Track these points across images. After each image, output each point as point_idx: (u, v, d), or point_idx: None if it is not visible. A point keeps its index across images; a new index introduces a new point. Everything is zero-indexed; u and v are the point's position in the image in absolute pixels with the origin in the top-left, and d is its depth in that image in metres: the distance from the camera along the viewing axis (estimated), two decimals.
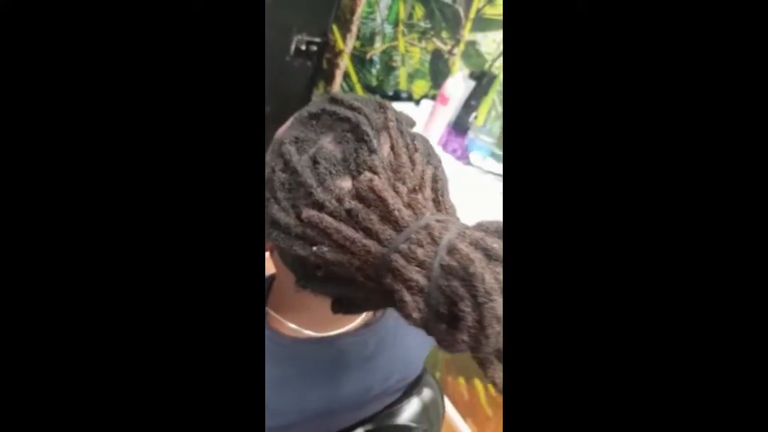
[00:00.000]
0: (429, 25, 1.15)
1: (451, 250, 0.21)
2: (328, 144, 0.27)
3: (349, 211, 0.24)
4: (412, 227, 0.23)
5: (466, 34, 1.06)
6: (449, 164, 0.92)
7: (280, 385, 0.33)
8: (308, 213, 0.25)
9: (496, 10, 0.99)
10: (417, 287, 0.22)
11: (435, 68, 1.15)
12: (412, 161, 0.28)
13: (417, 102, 1.13)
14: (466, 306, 0.21)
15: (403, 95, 1.20)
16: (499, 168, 0.96)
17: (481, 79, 0.98)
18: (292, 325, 0.35)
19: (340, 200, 0.25)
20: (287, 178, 0.27)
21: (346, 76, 1.41)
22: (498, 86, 1.00)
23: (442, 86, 0.92)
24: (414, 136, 0.31)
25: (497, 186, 0.93)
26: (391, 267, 0.22)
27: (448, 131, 0.97)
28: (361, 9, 1.30)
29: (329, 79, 1.45)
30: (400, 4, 1.20)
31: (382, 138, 0.28)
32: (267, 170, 0.28)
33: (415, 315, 0.21)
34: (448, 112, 0.93)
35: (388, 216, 0.24)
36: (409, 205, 0.24)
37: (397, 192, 0.25)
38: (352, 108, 0.28)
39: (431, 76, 1.16)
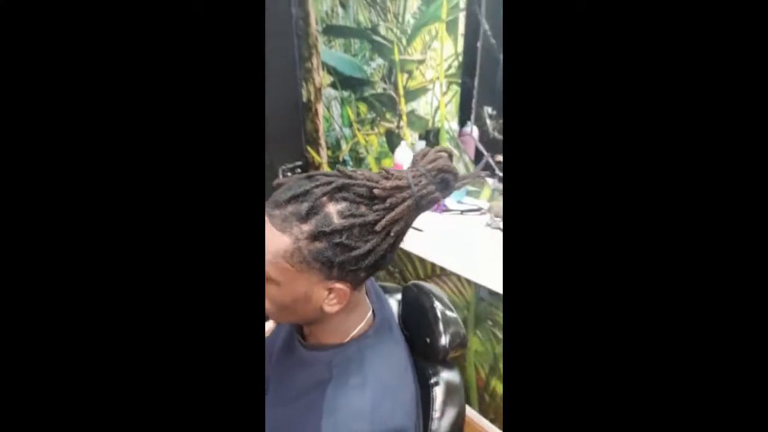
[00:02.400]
0: (374, 115, 1.32)
1: (428, 171, 0.42)
2: (334, 207, 0.40)
3: (389, 205, 0.40)
4: (411, 181, 0.41)
5: (404, 108, 1.21)
6: (429, 218, 0.97)
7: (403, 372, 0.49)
8: (381, 225, 0.39)
9: (417, 81, 1.14)
10: (432, 189, 0.41)
11: (392, 144, 1.28)
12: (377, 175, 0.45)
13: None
14: (446, 175, 0.42)
15: None
16: (474, 201, 0.99)
17: (428, 137, 1.08)
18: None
19: (376, 211, 0.41)
20: (348, 234, 0.39)
21: None
22: (445, 135, 1.09)
23: (394, 157, 1.03)
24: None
25: (478, 220, 0.96)
26: (422, 196, 0.40)
27: None
28: (322, 125, 1.52)
29: None
30: (348, 109, 1.41)
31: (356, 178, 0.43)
32: (328, 255, 0.40)
33: (439, 194, 0.41)
34: None
35: (402, 188, 0.40)
36: (398, 179, 0.41)
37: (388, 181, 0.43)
38: (313, 180, 0.42)
39: (392, 152, 1.29)
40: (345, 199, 0.39)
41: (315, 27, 1.38)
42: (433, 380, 0.52)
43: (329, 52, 1.37)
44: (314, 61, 1.43)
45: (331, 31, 1.33)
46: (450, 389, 0.53)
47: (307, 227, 0.38)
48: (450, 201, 1.01)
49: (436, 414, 0.51)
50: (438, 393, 0.52)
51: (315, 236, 0.38)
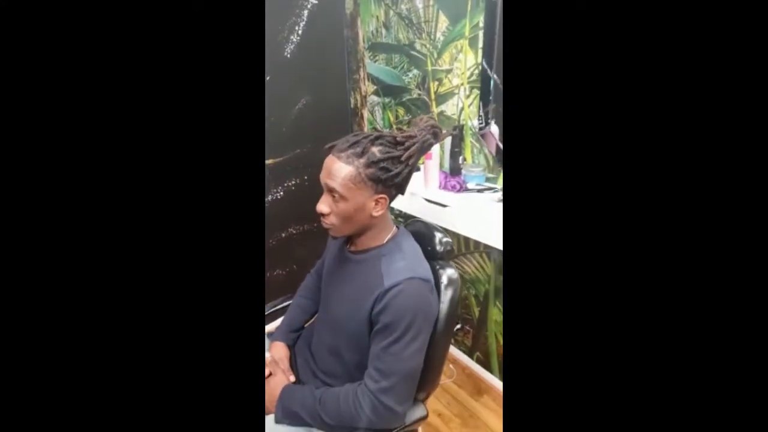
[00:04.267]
0: (410, 116, 1.55)
1: (424, 127, 0.74)
2: (375, 147, 0.68)
3: (407, 146, 0.70)
4: (418, 132, 0.73)
5: (435, 110, 1.43)
6: (451, 197, 1.18)
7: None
8: (404, 156, 0.69)
9: (445, 87, 1.36)
10: (429, 137, 0.73)
11: None
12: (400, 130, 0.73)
13: (418, 169, 1.47)
14: (435, 129, 0.75)
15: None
16: (490, 183, 1.19)
17: (455, 132, 1.29)
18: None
19: (400, 150, 0.70)
20: (387, 162, 0.68)
21: None
22: (468, 131, 1.30)
23: None
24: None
25: (492, 197, 1.15)
26: (424, 141, 0.72)
27: (444, 176, 1.26)
28: (366, 127, 1.79)
29: None
30: (388, 112, 1.66)
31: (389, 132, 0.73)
32: (377, 175, 0.68)
33: (434, 140, 0.74)
34: (435, 162, 1.24)
35: (413, 136, 0.72)
36: (410, 132, 0.73)
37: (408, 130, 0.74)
38: (359, 135, 0.71)
39: None
40: (381, 143, 0.69)
41: (362, 45, 1.65)
42: (437, 266, 0.81)
43: (373, 65, 1.63)
44: (361, 73, 1.70)
45: (376, 47, 1.59)
46: (450, 277, 0.80)
47: (362, 160, 0.67)
48: (471, 184, 1.21)
49: (444, 283, 0.79)
50: (441, 273, 0.79)
51: (367, 165, 0.67)
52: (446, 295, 0.79)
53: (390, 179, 0.69)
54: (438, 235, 0.86)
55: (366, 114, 1.76)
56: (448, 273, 0.80)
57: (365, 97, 1.73)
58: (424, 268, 0.73)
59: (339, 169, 0.67)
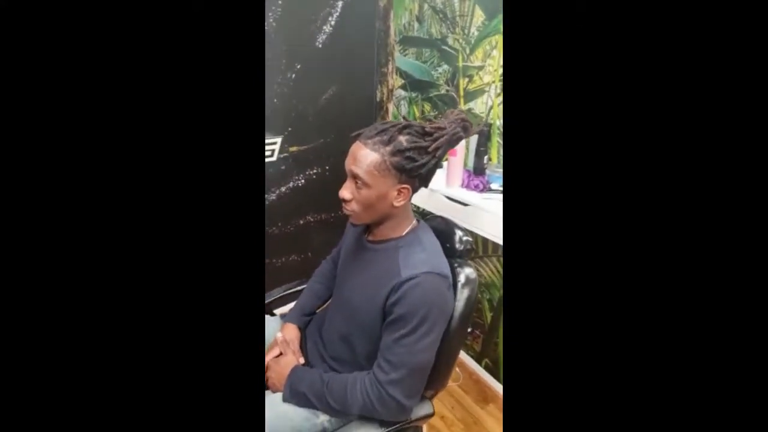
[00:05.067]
0: (437, 113, 1.53)
1: (454, 120, 0.73)
2: (402, 136, 0.67)
3: (435, 138, 0.69)
4: (447, 124, 0.71)
5: (463, 107, 1.40)
6: (473, 196, 1.15)
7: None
8: (432, 147, 0.68)
9: (475, 84, 1.33)
10: (458, 130, 0.71)
11: None
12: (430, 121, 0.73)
13: (441, 166, 1.44)
14: (465, 122, 0.73)
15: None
16: None
17: (482, 130, 1.26)
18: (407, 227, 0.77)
19: (427, 141, 0.69)
20: (412, 152, 0.67)
21: None
22: (496, 130, 1.27)
23: None
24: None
25: None
26: (454, 134, 0.70)
27: (467, 174, 1.23)
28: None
29: None
30: (414, 107, 1.64)
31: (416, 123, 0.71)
32: (402, 164, 0.67)
33: (463, 134, 0.72)
34: (460, 159, 1.21)
35: (442, 128, 0.70)
36: (440, 123, 0.71)
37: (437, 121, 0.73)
38: (388, 124, 0.70)
39: None
40: (409, 133, 0.68)
41: (393, 38, 1.64)
42: (455, 264, 0.79)
43: (403, 59, 1.61)
44: (389, 66, 1.69)
45: (407, 41, 1.58)
46: (467, 276, 0.78)
47: (389, 148, 0.66)
48: (495, 185, 1.18)
49: (461, 282, 0.77)
50: (459, 272, 0.77)
51: (393, 153, 0.66)
52: (463, 294, 0.76)
53: (415, 169, 0.67)
54: (458, 233, 0.84)
55: (391, 108, 1.75)
56: (466, 272, 0.78)
57: (392, 90, 1.71)
58: (443, 264, 0.72)
59: (365, 156, 0.66)
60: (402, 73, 1.64)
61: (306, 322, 0.93)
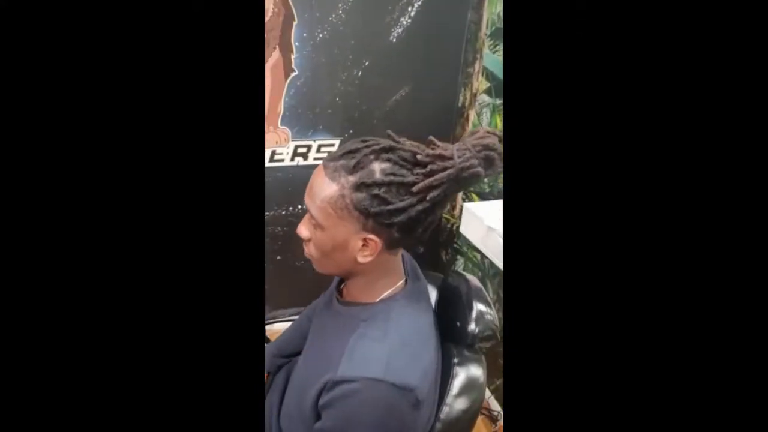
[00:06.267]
0: None
1: (473, 145, 0.45)
2: (378, 165, 0.45)
3: (430, 171, 0.44)
4: (455, 153, 0.44)
5: None
6: None
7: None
8: (418, 187, 0.44)
9: None
10: (474, 163, 0.44)
11: None
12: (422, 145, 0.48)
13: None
14: (490, 152, 0.45)
15: None
16: None
17: None
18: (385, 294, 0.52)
19: (416, 175, 0.44)
20: (386, 190, 0.44)
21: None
22: None
23: None
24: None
25: None
26: (463, 168, 0.43)
27: None
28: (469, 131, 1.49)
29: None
30: (497, 117, 1.33)
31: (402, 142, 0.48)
32: (366, 205, 0.45)
33: (481, 170, 0.44)
34: None
35: (445, 157, 0.44)
36: (443, 150, 0.45)
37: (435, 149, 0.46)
38: (365, 142, 0.47)
39: None
40: (389, 159, 0.44)
41: (484, 31, 1.35)
42: (456, 359, 0.52)
43: (492, 57, 1.32)
44: (476, 66, 1.41)
45: (500, 34, 1.28)
46: (470, 377, 0.51)
47: (352, 178, 0.44)
48: None
49: (453, 391, 0.50)
50: (459, 372, 0.51)
51: (357, 187, 0.44)
52: (454, 408, 0.50)
53: (385, 215, 0.44)
54: (478, 308, 0.56)
55: (472, 116, 1.46)
56: (470, 372, 0.52)
57: (476, 95, 1.43)
58: (410, 367, 0.45)
59: (320, 186, 0.46)
60: (489, 75, 1.34)
61: (278, 365, 0.77)
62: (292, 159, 1.38)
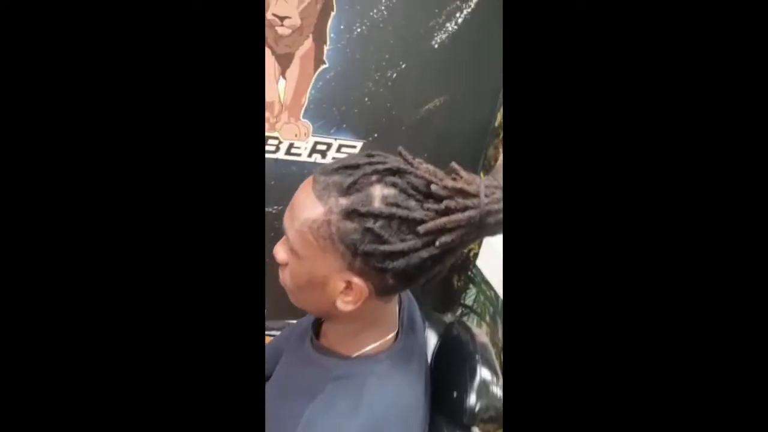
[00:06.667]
0: None
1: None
2: (380, 190, 0.35)
3: (445, 209, 0.34)
4: (481, 190, 0.34)
5: None
6: None
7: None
8: (426, 227, 0.33)
9: None
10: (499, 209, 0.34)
11: None
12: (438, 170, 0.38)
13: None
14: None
15: None
16: None
17: None
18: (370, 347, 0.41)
19: (426, 210, 0.34)
20: (383, 224, 0.34)
21: None
22: None
23: None
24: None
25: None
26: (490, 212, 0.34)
27: None
28: (500, 157, 1.37)
29: None
30: None
31: (415, 164, 0.37)
32: (354, 239, 0.34)
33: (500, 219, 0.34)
34: None
35: (467, 193, 0.34)
36: (467, 183, 0.35)
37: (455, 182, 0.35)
38: (370, 157, 0.37)
39: None
40: (395, 185, 0.34)
41: None
42: None
43: None
44: None
45: None
46: None
47: (344, 201, 0.34)
48: None
49: None
50: None
51: (348, 213, 0.34)
52: None
53: (378, 257, 0.34)
54: (482, 375, 0.44)
55: None
56: None
57: None
58: None
59: (303, 204, 0.36)
60: None
61: None
62: (310, 155, 1.30)
